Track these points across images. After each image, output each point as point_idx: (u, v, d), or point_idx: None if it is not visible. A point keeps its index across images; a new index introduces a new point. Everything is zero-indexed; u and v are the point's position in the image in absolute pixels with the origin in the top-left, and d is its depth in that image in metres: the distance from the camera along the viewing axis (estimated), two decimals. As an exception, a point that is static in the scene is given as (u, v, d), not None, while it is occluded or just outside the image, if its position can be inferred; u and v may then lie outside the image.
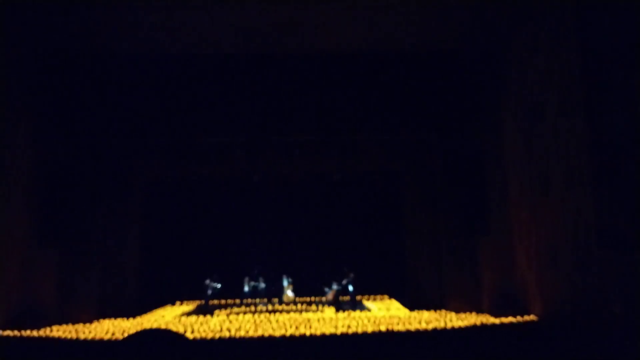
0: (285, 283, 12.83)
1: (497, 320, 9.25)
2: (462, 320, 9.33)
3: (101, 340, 8.42)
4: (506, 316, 9.43)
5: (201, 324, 9.53)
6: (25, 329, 8.89)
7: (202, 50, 10.72)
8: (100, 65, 10.85)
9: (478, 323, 9.12)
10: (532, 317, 9.46)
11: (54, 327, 9.37)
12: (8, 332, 8.74)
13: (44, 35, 9.93)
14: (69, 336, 8.71)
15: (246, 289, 12.74)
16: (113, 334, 8.72)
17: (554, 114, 9.19)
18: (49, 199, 10.60)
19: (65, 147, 10.90)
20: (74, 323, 9.83)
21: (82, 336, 8.65)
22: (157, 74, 10.93)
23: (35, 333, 8.80)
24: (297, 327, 8.81)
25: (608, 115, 8.56)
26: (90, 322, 10.13)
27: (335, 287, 12.40)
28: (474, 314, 10.17)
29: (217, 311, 11.88)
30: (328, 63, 11.03)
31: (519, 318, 9.33)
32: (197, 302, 13.39)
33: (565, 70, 8.85)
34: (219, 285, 12.59)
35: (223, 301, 13.20)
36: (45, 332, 8.98)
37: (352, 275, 12.51)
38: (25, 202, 10.02)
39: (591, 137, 8.48)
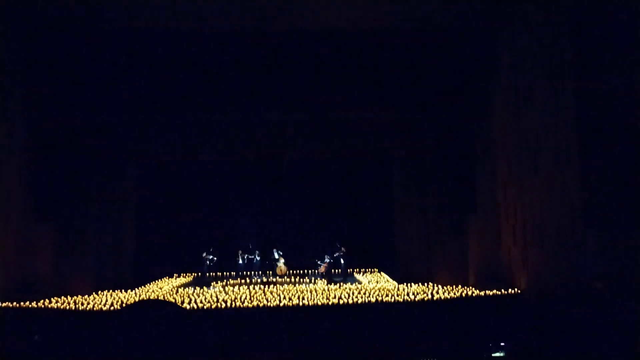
0: (276, 256, 13.16)
1: (481, 293, 9.59)
2: (448, 293, 9.67)
3: (99, 311, 8.67)
4: (491, 290, 9.77)
5: (198, 295, 9.81)
6: (23, 301, 9.07)
7: (196, 26, 10.61)
8: (95, 40, 10.74)
9: (463, 295, 9.46)
10: (515, 290, 9.81)
11: (52, 299, 9.56)
12: (7, 304, 8.94)
13: (38, 8, 9.78)
14: (67, 307, 8.93)
15: (240, 262, 13.08)
16: (111, 306, 8.97)
17: (544, 94, 9.30)
18: (44, 173, 10.64)
19: (60, 123, 10.88)
20: (71, 295, 10.03)
21: (80, 307, 8.89)
22: (151, 50, 10.85)
23: (33, 305, 8.99)
24: (290, 298, 9.10)
25: (597, 97, 8.71)
26: (88, 294, 10.35)
27: (327, 260, 12.75)
28: (459, 287, 10.52)
29: (213, 283, 12.19)
30: (320, 41, 10.95)
31: (503, 291, 9.68)
32: (194, 275, 13.69)
33: (556, 51, 8.94)
34: (214, 259, 12.89)
35: (219, 273, 13.51)
36: (43, 303, 9.17)
37: (343, 249, 12.86)
38: (21, 178, 10.07)
39: (580, 118, 8.66)
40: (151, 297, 10.10)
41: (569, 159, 8.84)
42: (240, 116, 11.74)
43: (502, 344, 6.10)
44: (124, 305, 8.99)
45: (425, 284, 10.84)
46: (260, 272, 13.18)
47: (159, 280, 12.94)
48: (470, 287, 10.40)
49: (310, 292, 9.95)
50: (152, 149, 12.98)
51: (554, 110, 9.08)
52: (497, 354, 5.90)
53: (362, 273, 13.94)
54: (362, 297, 9.27)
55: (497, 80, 10.86)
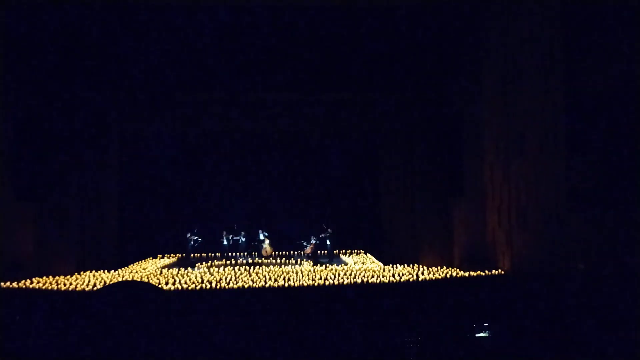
0: (261, 237, 13.08)
1: (466, 274, 9.68)
2: (433, 274, 9.74)
3: (80, 292, 8.55)
4: (475, 271, 9.87)
5: (182, 276, 9.72)
6: (4, 282, 8.92)
7: (183, 2, 10.30)
8: (73, 18, 10.38)
9: (448, 276, 9.54)
10: (499, 272, 9.92)
11: (34, 280, 9.42)
12: (-12, 284, 8.77)
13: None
14: (49, 288, 8.80)
15: (225, 242, 12.98)
16: (94, 286, 8.85)
17: (532, 77, 9.27)
18: (25, 152, 10.41)
19: (40, 100, 10.58)
20: (53, 275, 9.89)
21: (62, 288, 8.76)
22: (132, 27, 10.54)
23: (14, 285, 8.85)
24: (276, 280, 9.07)
25: (585, 81, 8.68)
26: (71, 274, 10.21)
27: (313, 241, 12.72)
28: (445, 268, 10.61)
29: (198, 264, 12.11)
30: (304, 20, 10.72)
31: (487, 272, 9.78)
32: (178, 255, 13.59)
33: (546, 33, 8.87)
34: (199, 239, 12.78)
35: (204, 254, 13.42)
36: (24, 284, 9.03)
37: (330, 230, 12.84)
38: (1, 157, 9.80)
39: (567, 102, 8.65)
40: (134, 278, 9.99)
41: (555, 141, 8.86)
42: (225, 95, 11.54)
43: (486, 324, 6.16)
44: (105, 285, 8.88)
45: (411, 265, 10.90)
46: (245, 253, 13.12)
47: (143, 260, 12.81)
48: (455, 269, 10.49)
49: (296, 273, 9.94)
50: (135, 128, 12.74)
51: (541, 93, 9.07)
52: (481, 335, 5.96)
53: (348, 254, 13.97)
54: (347, 278, 9.27)
55: (486, 62, 10.78)
